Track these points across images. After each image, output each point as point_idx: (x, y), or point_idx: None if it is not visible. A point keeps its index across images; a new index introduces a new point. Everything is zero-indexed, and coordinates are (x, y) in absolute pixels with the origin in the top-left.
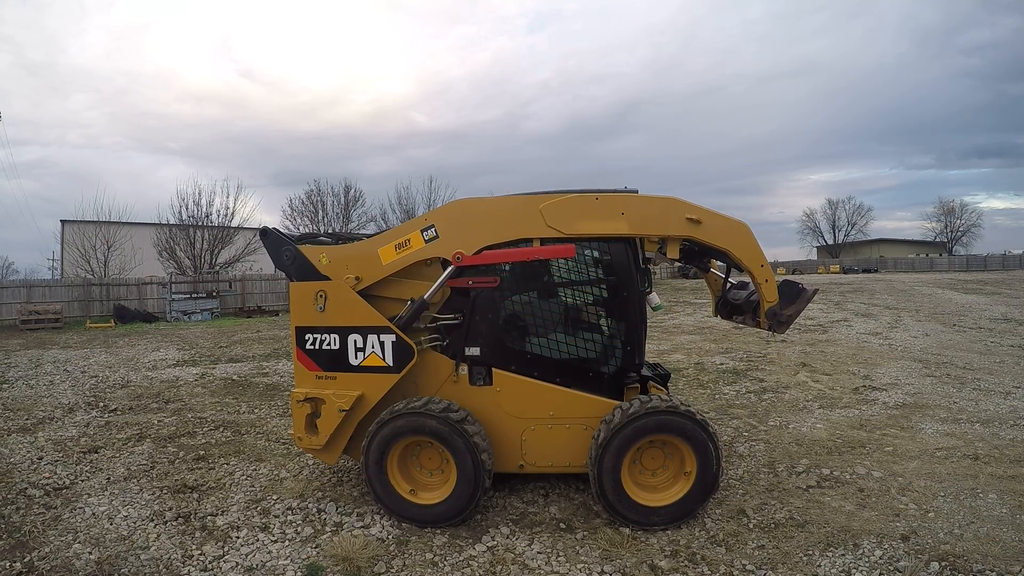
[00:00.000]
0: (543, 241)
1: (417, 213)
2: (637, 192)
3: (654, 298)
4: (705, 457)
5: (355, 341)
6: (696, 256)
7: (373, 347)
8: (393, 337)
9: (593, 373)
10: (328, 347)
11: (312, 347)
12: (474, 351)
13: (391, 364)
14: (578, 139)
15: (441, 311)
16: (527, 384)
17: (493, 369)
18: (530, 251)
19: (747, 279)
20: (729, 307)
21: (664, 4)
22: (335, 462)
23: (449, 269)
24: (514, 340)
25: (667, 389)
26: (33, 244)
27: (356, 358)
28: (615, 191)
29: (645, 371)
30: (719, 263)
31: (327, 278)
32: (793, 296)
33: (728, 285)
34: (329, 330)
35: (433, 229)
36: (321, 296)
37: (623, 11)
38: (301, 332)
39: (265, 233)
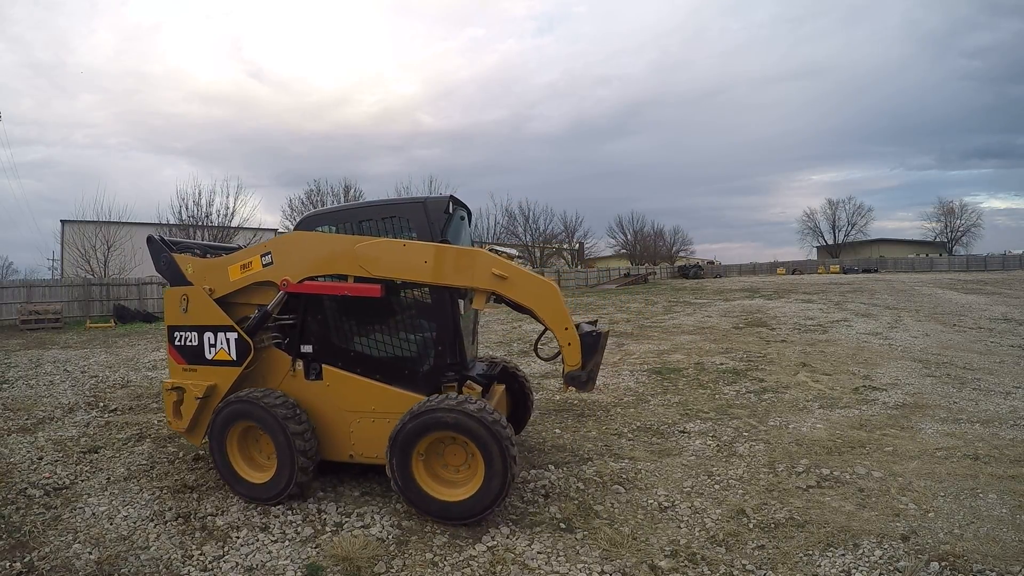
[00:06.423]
0: (357, 278)
1: None
2: (452, 196)
3: (465, 302)
4: (490, 459)
5: (208, 338)
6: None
7: (222, 344)
8: (235, 335)
9: (409, 371)
10: (190, 343)
11: (179, 343)
12: (307, 348)
13: (235, 358)
14: (583, 140)
15: (280, 312)
16: (352, 380)
17: (323, 365)
18: (339, 286)
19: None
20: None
21: (671, 7)
22: (199, 443)
23: (280, 293)
24: (340, 339)
25: (502, 388)
26: (33, 244)
27: (210, 353)
28: (431, 199)
29: (481, 370)
30: None
31: (192, 284)
32: (590, 348)
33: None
34: (191, 328)
35: (270, 256)
36: (184, 299)
37: (631, 14)
38: (172, 330)
39: (150, 241)
